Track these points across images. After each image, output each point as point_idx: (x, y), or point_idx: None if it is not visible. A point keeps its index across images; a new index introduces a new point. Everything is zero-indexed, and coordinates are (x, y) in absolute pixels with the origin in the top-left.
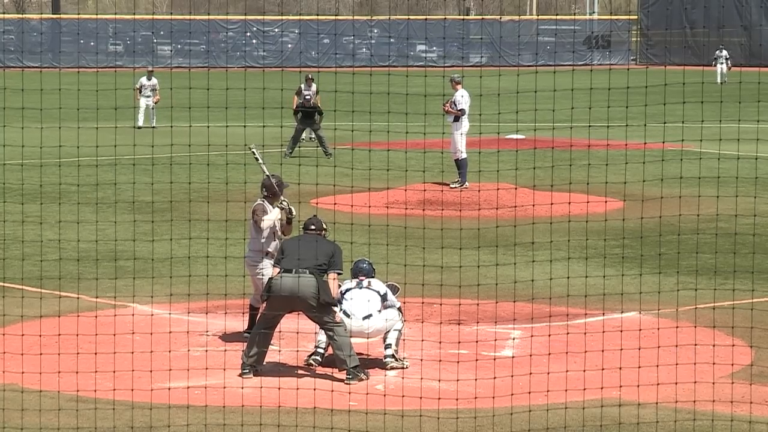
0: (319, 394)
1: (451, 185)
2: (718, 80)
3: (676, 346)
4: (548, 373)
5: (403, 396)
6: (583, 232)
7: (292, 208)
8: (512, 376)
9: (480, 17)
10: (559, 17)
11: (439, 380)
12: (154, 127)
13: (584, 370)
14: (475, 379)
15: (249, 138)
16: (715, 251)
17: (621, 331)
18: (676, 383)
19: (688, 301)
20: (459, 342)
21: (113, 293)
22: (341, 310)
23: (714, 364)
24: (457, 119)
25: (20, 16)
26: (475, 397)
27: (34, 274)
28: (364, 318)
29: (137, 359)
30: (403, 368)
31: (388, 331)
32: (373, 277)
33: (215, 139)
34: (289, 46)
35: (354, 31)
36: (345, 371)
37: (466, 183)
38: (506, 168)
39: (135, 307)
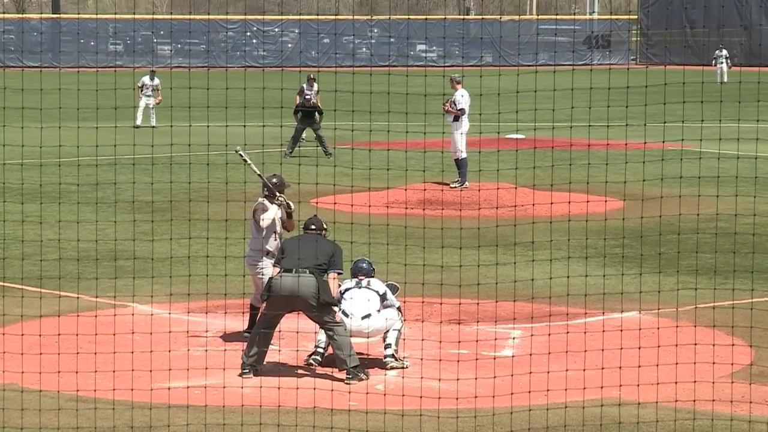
0: (319, 394)
1: (452, 185)
2: (718, 80)
3: (676, 345)
4: (548, 373)
5: (403, 395)
6: (583, 231)
7: (290, 203)
8: (512, 375)
9: (480, 17)
10: (559, 17)
11: (440, 380)
12: (154, 126)
13: (584, 370)
14: (475, 379)
15: (249, 138)
16: (714, 251)
17: (621, 331)
18: (676, 383)
19: (688, 300)
20: (459, 341)
21: (113, 293)
22: (340, 309)
23: (714, 363)
24: (457, 119)
25: (20, 15)
26: (475, 397)
27: (34, 273)
28: (363, 318)
29: (137, 359)
30: (403, 368)
31: (388, 331)
32: (372, 276)
33: (215, 139)
34: (289, 45)
35: (354, 31)
36: (345, 371)
37: (466, 183)
38: (506, 168)
39: (135, 307)
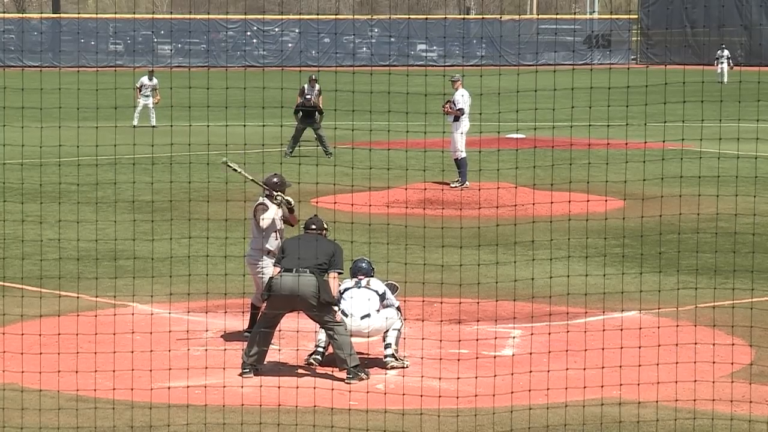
0: (319, 394)
1: (452, 185)
2: (718, 79)
3: (677, 345)
4: (548, 372)
5: (403, 395)
6: (584, 231)
7: (289, 199)
8: (512, 374)
9: (480, 17)
10: (559, 17)
11: (440, 379)
12: (154, 126)
13: (584, 369)
14: (476, 378)
15: (249, 138)
16: (715, 250)
17: (621, 330)
18: (676, 382)
19: (689, 300)
20: (459, 341)
21: (113, 293)
22: (340, 309)
23: (714, 363)
24: (457, 119)
25: (20, 15)
26: (476, 396)
27: (34, 273)
28: (363, 317)
29: (137, 359)
30: (403, 367)
31: (388, 331)
32: (372, 276)
33: (215, 139)
34: (290, 45)
35: (354, 31)
36: (345, 370)
37: (467, 182)
38: (506, 167)
39: (135, 307)
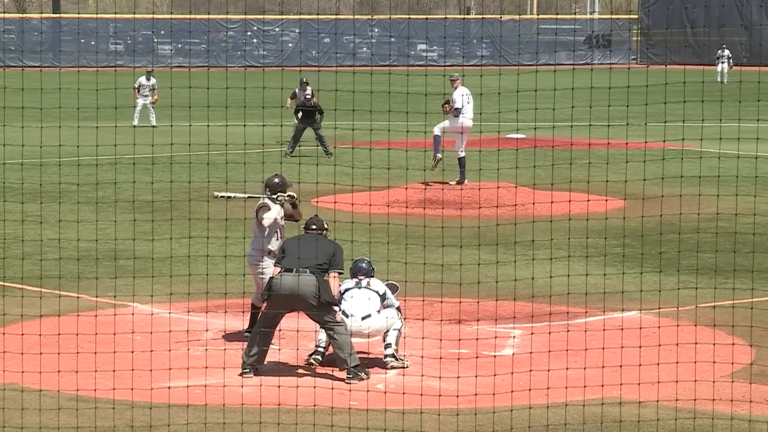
0: (319, 393)
1: (451, 183)
2: (718, 79)
3: (677, 344)
4: (548, 372)
5: (403, 394)
6: (584, 231)
7: (292, 194)
8: (512, 374)
9: (480, 16)
10: (559, 16)
11: (440, 378)
12: (154, 126)
13: (585, 369)
14: (476, 377)
15: (249, 137)
16: (715, 250)
17: (621, 330)
18: (676, 382)
19: (689, 300)
20: (459, 340)
21: (113, 292)
22: (340, 309)
23: (714, 363)
24: (456, 117)
25: (21, 15)
26: (476, 395)
27: (34, 273)
28: (363, 318)
29: (137, 358)
30: (403, 367)
31: (388, 331)
32: (372, 276)
33: (215, 139)
34: (290, 45)
35: (355, 31)
36: (345, 370)
37: (465, 181)
38: (506, 167)
39: (135, 307)
